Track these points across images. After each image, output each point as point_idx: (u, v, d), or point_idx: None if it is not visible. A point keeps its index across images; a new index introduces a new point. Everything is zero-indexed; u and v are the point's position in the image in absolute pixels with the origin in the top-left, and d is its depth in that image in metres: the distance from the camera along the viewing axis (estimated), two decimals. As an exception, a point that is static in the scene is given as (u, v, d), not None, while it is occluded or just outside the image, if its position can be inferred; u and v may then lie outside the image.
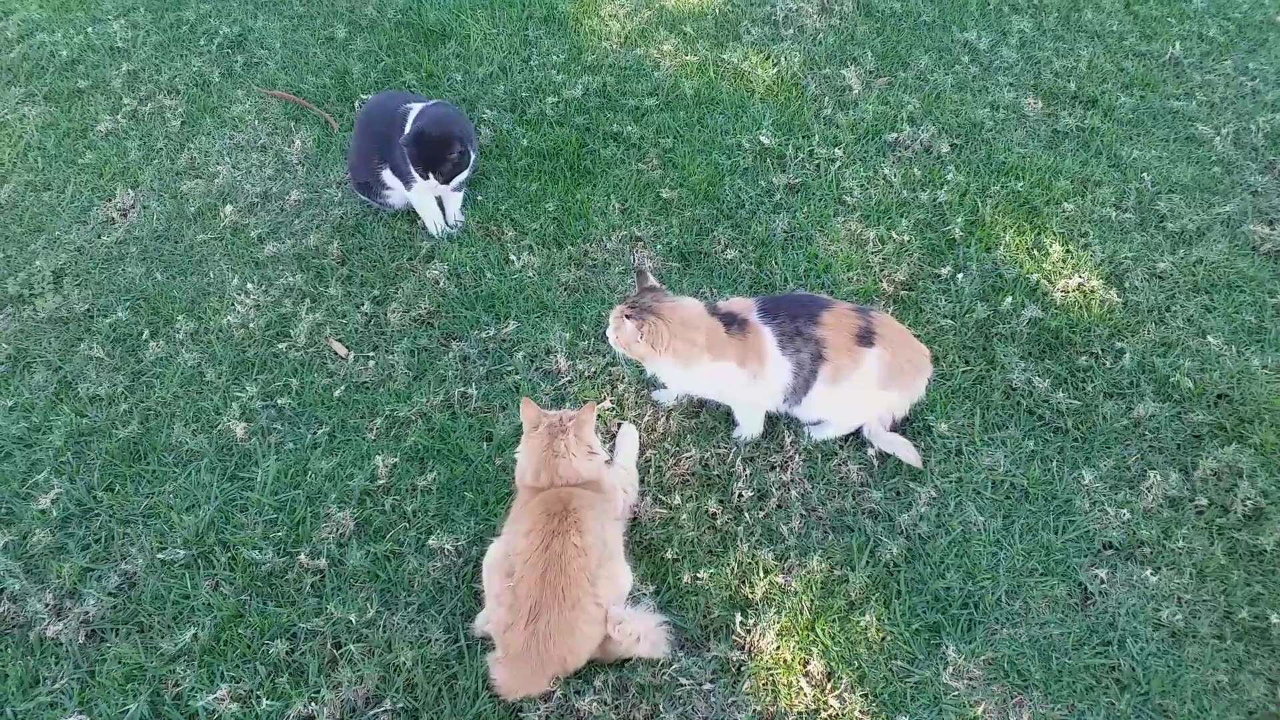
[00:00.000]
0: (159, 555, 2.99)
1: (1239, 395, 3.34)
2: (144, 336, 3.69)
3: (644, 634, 2.65)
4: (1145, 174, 4.19)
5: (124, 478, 3.23)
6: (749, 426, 3.26)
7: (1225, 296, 3.69)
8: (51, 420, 3.41)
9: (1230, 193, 4.12)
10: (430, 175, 3.70)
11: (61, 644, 2.83)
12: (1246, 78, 4.73)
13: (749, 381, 3.05)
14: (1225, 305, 3.65)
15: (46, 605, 2.89)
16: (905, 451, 3.16)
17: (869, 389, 3.04)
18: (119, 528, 3.10)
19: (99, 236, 4.14)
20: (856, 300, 3.55)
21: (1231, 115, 4.50)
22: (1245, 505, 3.03)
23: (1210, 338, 3.52)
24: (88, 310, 3.81)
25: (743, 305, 3.08)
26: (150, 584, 2.95)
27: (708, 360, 3.00)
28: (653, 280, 3.11)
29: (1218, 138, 4.36)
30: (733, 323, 3.03)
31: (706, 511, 3.08)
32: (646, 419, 3.36)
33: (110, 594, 2.93)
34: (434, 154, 3.67)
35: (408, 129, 3.73)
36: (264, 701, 2.66)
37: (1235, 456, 3.15)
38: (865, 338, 2.99)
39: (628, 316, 2.95)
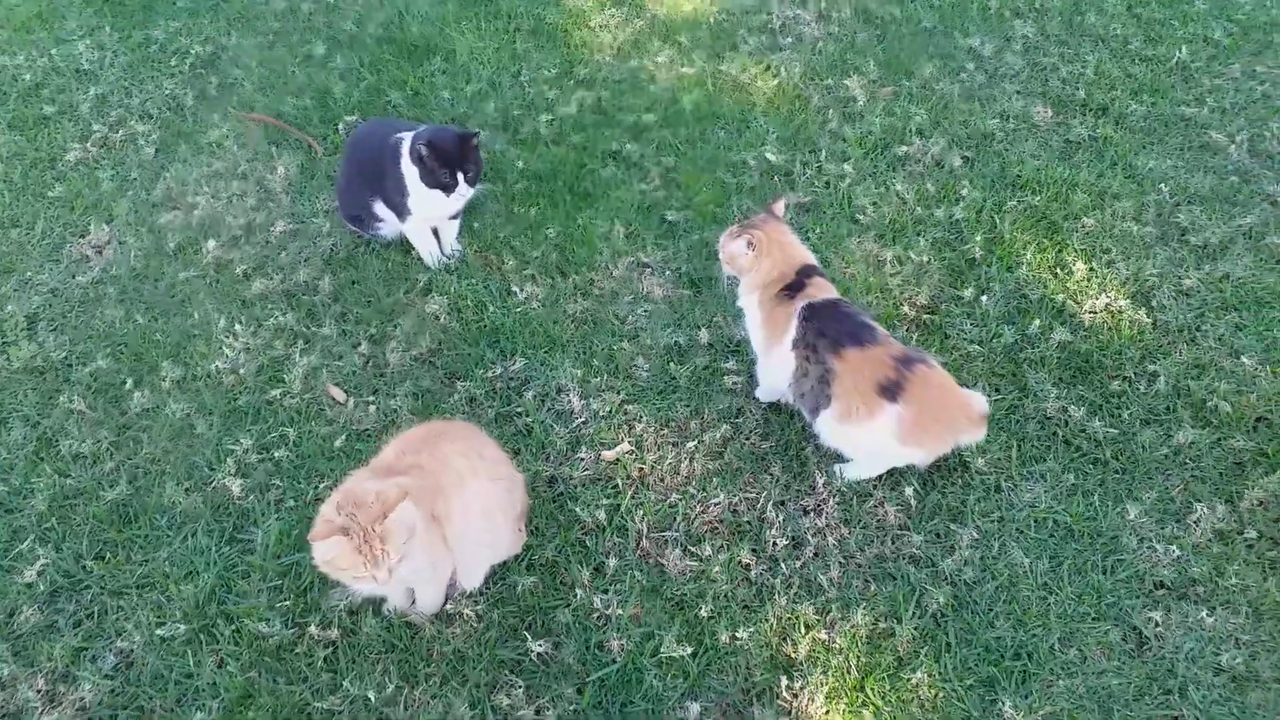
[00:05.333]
0: (157, 631, 2.78)
1: (1279, 418, 3.23)
2: (127, 386, 3.46)
3: None
4: (1163, 185, 4.08)
5: (114, 544, 3.02)
6: (762, 391, 3.36)
7: (1254, 313, 3.58)
8: (33, 482, 3.17)
9: (1250, 203, 4.01)
10: (460, 178, 3.49)
11: (56, 734, 2.63)
12: (1255, 82, 4.63)
13: (763, 344, 3.16)
14: (1255, 323, 3.54)
15: (39, 691, 2.67)
16: None
17: (886, 441, 2.89)
18: (112, 600, 2.88)
19: (74, 276, 3.90)
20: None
21: (1244, 121, 4.40)
22: (1297, 538, 2.93)
23: (1244, 357, 3.41)
24: (65, 358, 3.58)
25: (816, 289, 3.09)
26: (149, 663, 2.74)
27: (755, 299, 3.17)
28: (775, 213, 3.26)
29: (1232, 145, 4.26)
30: (793, 288, 3.08)
31: (739, 562, 2.92)
32: (668, 461, 3.19)
33: (107, 676, 2.71)
34: (461, 152, 3.48)
35: (404, 157, 3.53)
36: (281, 793, 2.48)
37: (1282, 485, 3.04)
38: (890, 390, 2.82)
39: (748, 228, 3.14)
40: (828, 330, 2.92)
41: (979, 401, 2.91)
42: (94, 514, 3.08)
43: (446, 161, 3.47)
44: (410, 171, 3.54)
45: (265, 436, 3.29)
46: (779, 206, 3.27)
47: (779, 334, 3.03)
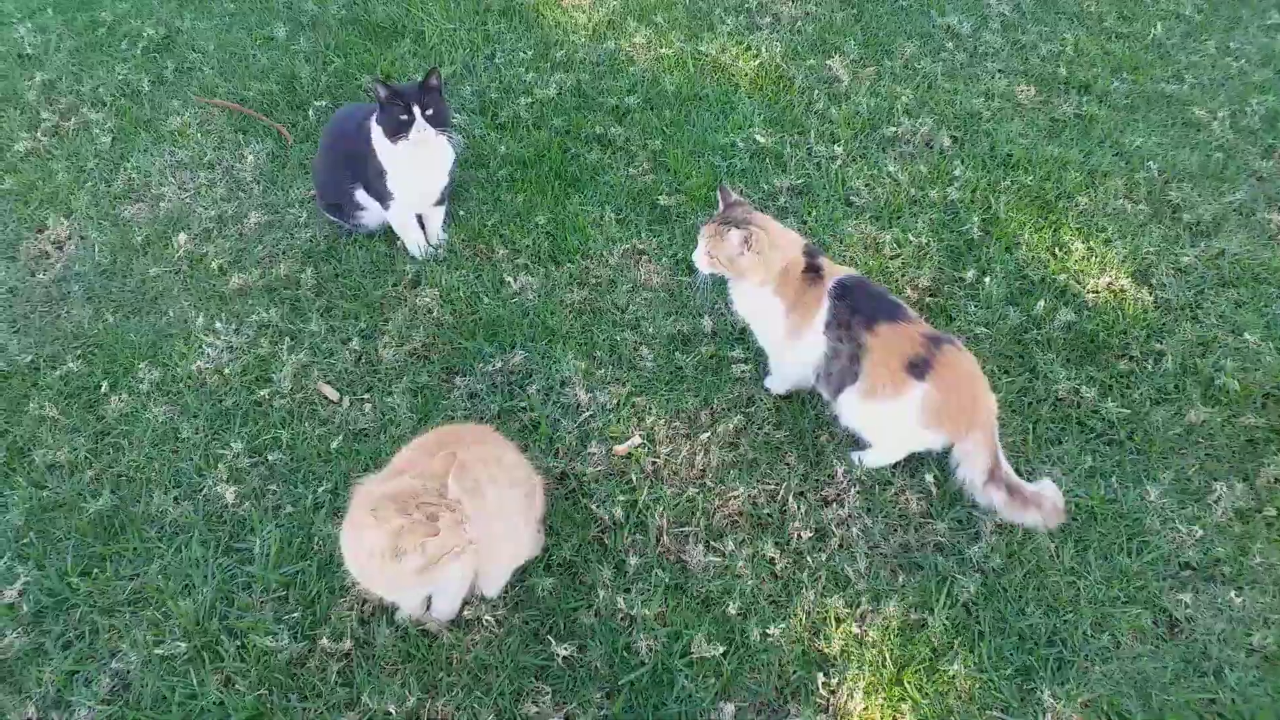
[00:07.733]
0: (156, 650, 2.61)
1: (1286, 395, 3.24)
2: (102, 390, 3.25)
3: None
4: (1151, 162, 4.08)
5: (101, 559, 2.83)
6: (775, 382, 3.25)
7: (1252, 290, 3.59)
8: (6, 495, 2.97)
9: (1237, 179, 4.03)
10: (416, 112, 3.24)
11: (51, 765, 2.45)
12: (1231, 58, 4.67)
13: (786, 333, 3.00)
14: (1254, 300, 3.55)
15: (29, 720, 2.50)
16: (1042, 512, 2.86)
17: (906, 422, 2.85)
18: (103, 619, 2.70)
19: (33, 274, 3.66)
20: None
21: (1224, 98, 4.42)
22: (1315, 514, 2.93)
23: (1247, 334, 3.41)
24: (32, 362, 3.35)
25: (831, 268, 3.00)
26: (149, 684, 2.56)
27: (769, 291, 2.98)
28: (735, 195, 3.11)
29: (1215, 121, 4.28)
30: (813, 271, 2.96)
31: (764, 557, 2.84)
32: (682, 454, 3.09)
33: (104, 701, 2.53)
34: (418, 85, 3.29)
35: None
36: (304, 819, 2.34)
37: (1295, 461, 3.04)
38: (918, 368, 2.78)
39: (731, 225, 2.90)
40: (862, 306, 2.86)
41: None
42: (77, 527, 2.89)
43: (400, 94, 3.26)
44: (383, 147, 3.37)
45: (256, 439, 3.12)
46: (729, 192, 3.10)
47: (809, 318, 2.93)
